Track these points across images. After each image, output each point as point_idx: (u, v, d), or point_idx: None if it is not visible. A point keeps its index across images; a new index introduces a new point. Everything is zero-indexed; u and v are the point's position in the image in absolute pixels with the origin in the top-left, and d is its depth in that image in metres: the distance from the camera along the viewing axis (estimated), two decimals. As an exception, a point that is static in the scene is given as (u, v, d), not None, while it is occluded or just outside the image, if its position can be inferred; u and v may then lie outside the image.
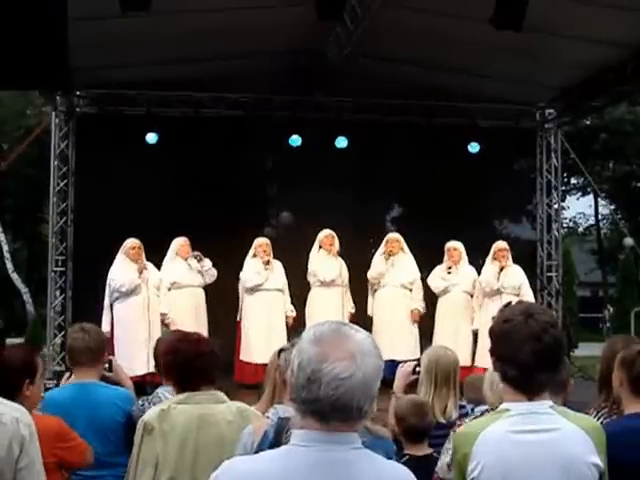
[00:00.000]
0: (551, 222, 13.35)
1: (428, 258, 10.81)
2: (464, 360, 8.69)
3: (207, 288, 10.32)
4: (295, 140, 12.22)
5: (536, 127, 13.25)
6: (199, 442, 3.38)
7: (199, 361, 3.46)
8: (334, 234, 10.52)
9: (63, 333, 11.76)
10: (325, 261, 10.44)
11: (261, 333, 9.92)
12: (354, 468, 1.86)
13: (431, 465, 3.73)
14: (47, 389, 4.84)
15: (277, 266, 10.33)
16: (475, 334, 10.21)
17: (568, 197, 32.02)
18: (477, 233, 11.72)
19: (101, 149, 11.90)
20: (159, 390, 4.08)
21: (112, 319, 9.82)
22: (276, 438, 2.66)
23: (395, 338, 9.96)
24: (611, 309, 26.40)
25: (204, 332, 8.55)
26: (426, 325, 10.55)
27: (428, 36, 10.17)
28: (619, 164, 29.29)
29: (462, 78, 11.69)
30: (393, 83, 11.96)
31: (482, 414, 3.49)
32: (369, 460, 1.90)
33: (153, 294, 9.89)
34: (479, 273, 10.47)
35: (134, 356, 9.15)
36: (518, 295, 9.85)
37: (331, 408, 1.83)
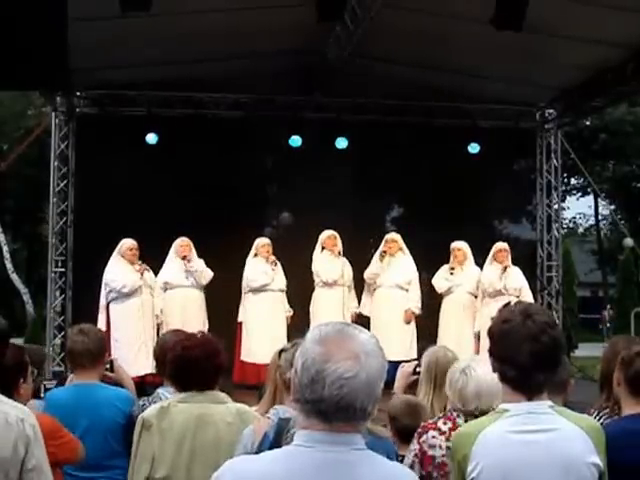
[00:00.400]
0: (551, 222, 13.35)
1: (428, 258, 10.82)
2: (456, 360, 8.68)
3: (207, 288, 10.32)
4: (295, 140, 12.22)
5: (536, 127, 13.25)
6: (196, 441, 3.38)
7: (207, 362, 3.46)
8: (336, 234, 10.54)
9: (63, 333, 11.76)
10: (328, 261, 10.47)
11: (265, 333, 9.93)
12: (357, 469, 1.86)
13: None
14: (47, 389, 4.84)
15: (279, 266, 10.37)
16: (477, 335, 10.21)
17: (568, 197, 32.08)
18: (477, 233, 11.72)
19: (101, 150, 11.91)
20: (160, 390, 4.08)
21: (108, 319, 9.81)
22: (276, 439, 2.66)
23: (391, 338, 9.95)
24: (611, 310, 26.41)
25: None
26: (425, 325, 10.55)
27: (428, 37, 10.17)
28: (619, 164, 29.32)
29: (462, 78, 11.69)
30: (393, 84, 11.96)
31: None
32: (372, 461, 1.90)
33: (151, 295, 9.90)
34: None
35: (133, 356, 9.15)
36: (518, 297, 9.86)
37: (335, 408, 1.83)
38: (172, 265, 10.20)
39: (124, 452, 3.97)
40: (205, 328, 9.54)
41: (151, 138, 11.98)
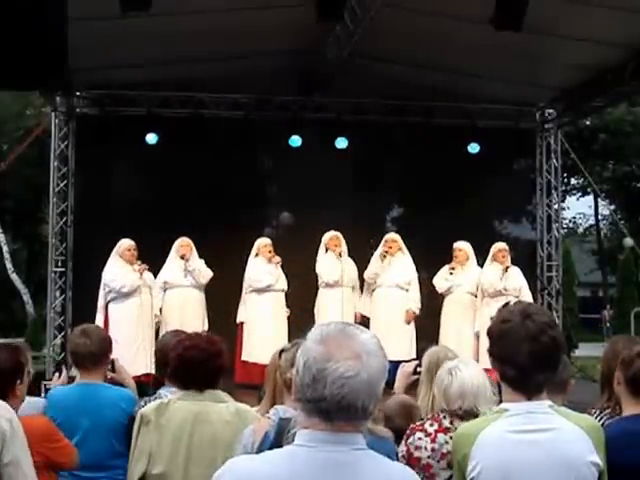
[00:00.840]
0: (551, 222, 13.35)
1: (428, 258, 10.83)
2: (467, 360, 8.69)
3: (207, 288, 10.31)
4: (295, 141, 12.22)
5: (536, 127, 13.25)
6: (193, 439, 3.39)
7: (209, 362, 3.46)
8: (339, 235, 10.55)
9: (63, 334, 11.77)
10: (329, 262, 10.49)
11: (268, 333, 9.94)
12: (359, 469, 1.86)
13: None
14: (48, 389, 4.84)
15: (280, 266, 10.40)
16: (477, 334, 10.21)
17: (568, 197, 32.03)
18: (477, 233, 11.71)
19: (101, 150, 11.91)
20: (161, 391, 4.07)
21: (106, 319, 9.81)
22: (277, 439, 2.66)
23: (391, 338, 9.95)
24: (611, 310, 26.40)
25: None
26: (425, 325, 10.55)
27: (428, 37, 10.18)
28: (619, 164, 29.29)
29: (462, 78, 11.69)
30: (393, 84, 11.96)
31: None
32: (374, 461, 1.91)
33: (150, 295, 9.90)
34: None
35: (133, 356, 9.15)
36: (518, 297, 9.86)
37: (336, 407, 1.83)
38: (172, 265, 10.21)
39: (126, 452, 3.96)
40: (205, 328, 9.55)
41: (151, 138, 11.98)
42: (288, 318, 10.39)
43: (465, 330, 10.30)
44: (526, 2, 7.62)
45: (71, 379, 4.65)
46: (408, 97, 12.29)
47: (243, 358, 10.13)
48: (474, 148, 12.52)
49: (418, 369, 4.25)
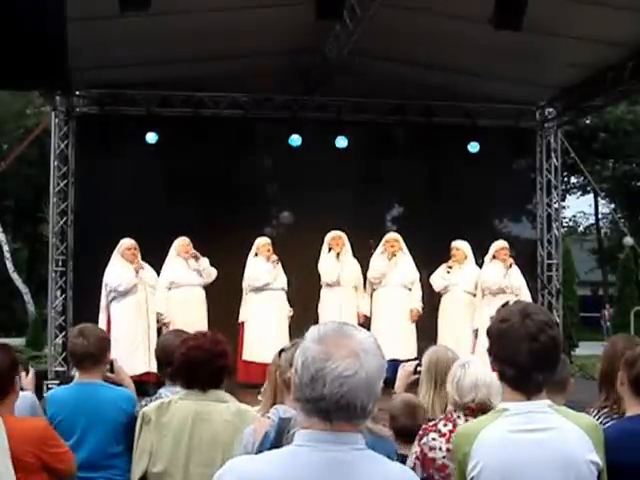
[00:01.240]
0: (551, 221, 13.36)
1: (428, 258, 10.82)
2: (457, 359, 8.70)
3: (207, 288, 10.32)
4: (295, 140, 12.21)
5: (536, 126, 13.25)
6: (193, 438, 3.40)
7: (213, 362, 3.46)
8: (341, 234, 10.56)
9: (64, 333, 11.77)
10: (329, 262, 10.49)
11: (268, 332, 9.94)
12: (358, 469, 1.87)
13: None
14: (49, 389, 4.85)
15: (279, 265, 10.40)
16: (476, 333, 10.22)
17: (568, 196, 32.08)
18: (477, 232, 11.72)
19: (101, 149, 11.91)
20: (162, 391, 4.07)
21: (108, 319, 9.81)
22: (277, 439, 2.66)
23: (395, 338, 9.98)
24: (611, 309, 26.40)
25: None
26: (424, 324, 10.56)
27: (428, 35, 10.17)
28: (619, 163, 29.32)
29: (462, 77, 11.68)
30: (392, 83, 11.95)
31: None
32: (373, 461, 1.91)
33: (150, 294, 9.90)
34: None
35: (132, 356, 9.15)
36: (517, 295, 9.89)
37: (335, 406, 1.83)
38: (175, 264, 10.19)
39: (124, 452, 3.97)
40: (206, 327, 9.55)
41: (151, 137, 11.98)
42: (290, 317, 10.38)
43: (463, 329, 10.31)
44: (525, 1, 7.62)
45: (71, 379, 4.66)
46: (408, 96, 12.29)
47: (244, 358, 10.14)
48: (474, 147, 12.52)
49: (418, 369, 4.25)
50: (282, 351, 3.27)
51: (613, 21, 9.18)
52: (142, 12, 7.56)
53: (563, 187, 24.98)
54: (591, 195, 31.78)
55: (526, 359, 2.44)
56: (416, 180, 12.65)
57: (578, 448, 2.44)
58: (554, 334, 2.50)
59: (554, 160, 13.27)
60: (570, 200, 33.39)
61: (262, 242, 10.46)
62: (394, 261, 10.40)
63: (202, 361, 3.44)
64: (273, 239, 10.73)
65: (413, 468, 3.40)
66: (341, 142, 12.29)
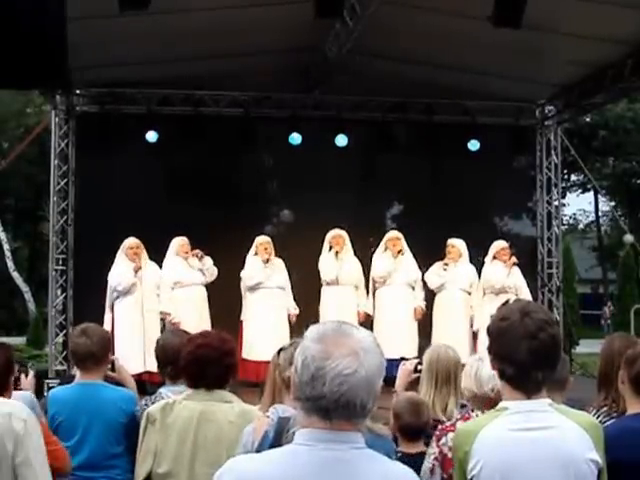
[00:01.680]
0: (551, 219, 13.36)
1: (428, 256, 10.81)
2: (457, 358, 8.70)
3: (209, 287, 10.32)
4: (295, 138, 12.21)
5: (536, 124, 13.25)
6: (198, 438, 3.39)
7: (223, 360, 3.46)
8: (341, 233, 10.53)
9: (64, 332, 11.78)
10: (329, 261, 10.50)
11: (263, 331, 9.93)
12: (358, 468, 1.87)
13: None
14: (50, 388, 4.85)
15: (278, 264, 10.35)
16: (476, 332, 10.22)
17: (568, 194, 32.10)
18: (477, 230, 11.73)
19: (101, 148, 11.92)
20: (162, 390, 4.07)
21: (113, 319, 9.83)
22: (276, 438, 2.66)
23: (398, 336, 9.98)
24: (611, 306, 26.41)
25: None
26: (423, 323, 10.56)
27: (428, 34, 10.17)
28: (619, 161, 29.32)
29: (462, 75, 11.68)
30: (393, 81, 11.95)
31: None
32: (373, 460, 1.92)
33: (152, 293, 9.90)
34: (479, 270, 10.48)
35: (131, 355, 9.15)
36: (517, 294, 9.89)
37: (335, 405, 1.84)
38: (176, 264, 10.15)
39: (125, 452, 3.98)
40: (209, 326, 9.56)
41: (151, 136, 11.98)
42: (297, 315, 10.35)
43: (459, 327, 10.29)
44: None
45: (71, 378, 4.66)
46: (408, 94, 12.29)
47: (242, 356, 10.14)
48: (474, 145, 12.51)
49: (419, 367, 4.25)
50: (281, 350, 3.27)
51: (613, 18, 9.18)
52: (142, 11, 7.56)
53: (563, 185, 24.98)
54: (591, 193, 31.81)
55: (526, 357, 2.44)
56: (416, 178, 12.65)
57: (578, 447, 2.44)
58: (554, 332, 2.50)
59: (554, 158, 13.27)
60: (570, 198, 33.45)
61: (260, 241, 10.42)
62: (399, 260, 10.39)
63: (210, 359, 3.44)
64: (273, 237, 10.71)
65: (432, 469, 3.40)
66: (341, 140, 12.29)
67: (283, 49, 11.10)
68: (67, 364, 11.08)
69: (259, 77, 11.85)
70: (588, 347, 15.90)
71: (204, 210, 11.85)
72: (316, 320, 9.99)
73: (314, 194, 11.99)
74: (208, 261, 10.16)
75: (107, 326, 9.44)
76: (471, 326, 10.42)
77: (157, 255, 10.21)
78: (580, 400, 3.54)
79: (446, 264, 10.44)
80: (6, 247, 24.46)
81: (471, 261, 10.65)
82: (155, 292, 9.94)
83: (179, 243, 10.23)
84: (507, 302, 2.64)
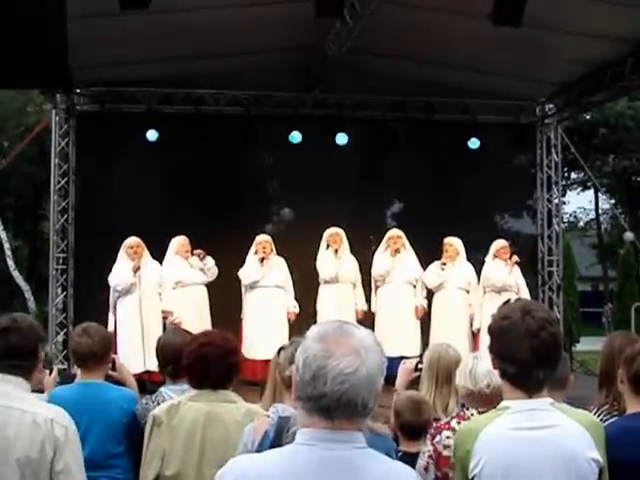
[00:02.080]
0: (551, 217, 13.36)
1: (428, 254, 10.81)
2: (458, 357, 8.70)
3: (209, 286, 10.32)
4: (295, 137, 12.21)
5: (536, 122, 13.25)
6: (205, 439, 3.39)
7: (227, 359, 3.46)
8: (339, 231, 10.53)
9: (65, 331, 11.79)
10: (327, 259, 10.49)
11: (261, 330, 9.93)
12: (359, 467, 1.87)
13: None
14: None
15: (277, 263, 10.33)
16: (477, 331, 10.22)
17: (568, 192, 32.05)
18: (477, 228, 11.73)
19: (101, 147, 11.93)
20: (162, 389, 4.07)
21: (116, 318, 9.84)
22: (276, 437, 2.67)
23: (401, 334, 9.98)
24: (611, 304, 26.41)
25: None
26: (422, 322, 10.56)
27: (428, 32, 10.17)
28: (619, 159, 29.29)
29: (462, 74, 11.68)
30: (393, 79, 11.96)
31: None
32: (374, 459, 1.92)
33: (153, 292, 9.89)
34: (479, 269, 10.48)
35: (131, 354, 9.16)
36: (517, 293, 9.91)
37: (337, 404, 1.84)
38: (177, 263, 10.15)
39: (125, 452, 3.98)
40: (210, 325, 9.56)
41: (151, 135, 11.97)
42: (297, 314, 10.34)
43: (457, 325, 10.28)
44: (525, -3, 7.61)
45: (72, 377, 4.66)
46: (408, 93, 12.29)
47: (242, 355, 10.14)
48: (474, 143, 12.51)
49: (419, 366, 4.25)
50: (281, 349, 3.28)
51: (613, 17, 9.18)
52: (142, 10, 7.57)
53: (563, 183, 24.98)
54: (591, 191, 31.75)
55: (527, 356, 2.44)
56: (416, 176, 12.65)
57: (579, 445, 2.45)
58: (555, 331, 2.50)
59: (554, 156, 13.27)
60: (570, 196, 33.38)
61: (259, 240, 10.40)
62: (398, 258, 10.39)
63: (214, 358, 3.43)
64: (274, 236, 10.71)
65: (426, 467, 3.39)
66: (341, 139, 12.28)
67: (283, 48, 11.10)
68: (67, 363, 11.08)
69: (259, 76, 11.85)
70: (589, 345, 15.92)
71: (204, 208, 11.85)
72: (314, 318, 10.02)
73: (314, 192, 11.99)
74: (210, 261, 10.15)
75: (110, 326, 9.44)
76: (471, 325, 10.42)
77: (157, 254, 10.20)
78: (581, 398, 3.54)
79: (444, 263, 10.43)
80: (6, 246, 24.42)
81: (468, 259, 10.65)
82: (156, 291, 9.93)
83: (179, 242, 10.22)
84: (508, 301, 2.64)
